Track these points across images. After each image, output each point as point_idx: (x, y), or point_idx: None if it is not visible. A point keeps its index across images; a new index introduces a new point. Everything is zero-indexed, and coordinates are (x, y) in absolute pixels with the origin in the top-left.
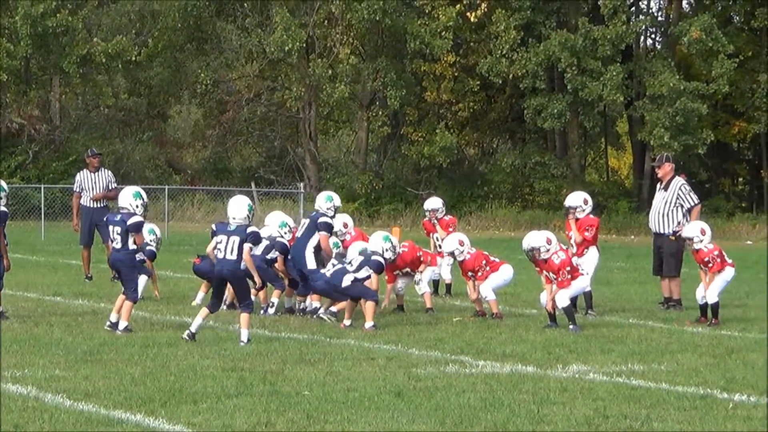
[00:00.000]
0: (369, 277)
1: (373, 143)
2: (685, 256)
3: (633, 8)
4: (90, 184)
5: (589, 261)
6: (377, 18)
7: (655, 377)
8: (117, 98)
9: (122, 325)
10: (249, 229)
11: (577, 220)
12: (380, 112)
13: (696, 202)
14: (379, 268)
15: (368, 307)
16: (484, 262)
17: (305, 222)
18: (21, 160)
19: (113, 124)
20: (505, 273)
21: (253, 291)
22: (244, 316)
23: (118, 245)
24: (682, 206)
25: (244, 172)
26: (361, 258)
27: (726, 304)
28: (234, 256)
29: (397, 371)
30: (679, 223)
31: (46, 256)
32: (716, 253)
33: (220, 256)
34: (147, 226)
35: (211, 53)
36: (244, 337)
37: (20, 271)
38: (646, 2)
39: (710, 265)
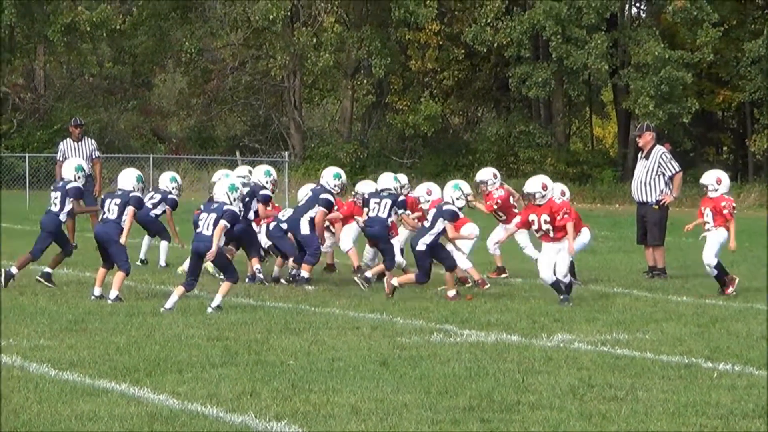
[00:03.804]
0: (437, 238)
1: (357, 112)
2: (669, 224)
3: None
4: (73, 153)
5: (579, 241)
6: None
7: (639, 346)
8: (101, 67)
9: (113, 294)
10: (226, 207)
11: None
12: (365, 81)
13: (677, 169)
14: (453, 217)
15: (448, 278)
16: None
17: (308, 194)
18: (5, 128)
19: (98, 92)
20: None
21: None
22: (225, 284)
23: (113, 216)
24: (663, 174)
25: (228, 140)
26: (434, 211)
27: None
28: (210, 232)
29: (382, 340)
30: (661, 191)
31: (31, 225)
32: (733, 204)
33: (198, 230)
34: (168, 174)
35: (195, 22)
36: (214, 303)
37: (5, 241)
38: None
39: (725, 211)
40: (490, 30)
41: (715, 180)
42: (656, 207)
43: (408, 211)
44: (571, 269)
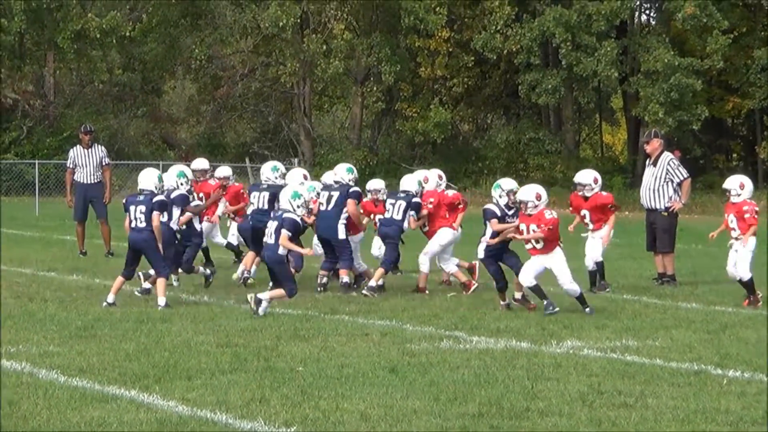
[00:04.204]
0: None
1: (367, 119)
2: (678, 231)
3: None
4: (83, 160)
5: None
6: None
7: (649, 353)
8: (111, 74)
9: (162, 301)
10: (286, 216)
11: (586, 198)
12: (374, 88)
13: (685, 176)
14: (491, 215)
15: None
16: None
17: (332, 195)
18: (15, 135)
19: (107, 99)
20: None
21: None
22: (277, 291)
23: (142, 224)
24: (671, 181)
25: (238, 147)
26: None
27: (720, 280)
28: (273, 240)
29: (392, 347)
30: (670, 198)
31: (40, 231)
32: (756, 208)
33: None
34: (176, 168)
35: (205, 29)
36: (263, 309)
37: (15, 247)
38: None
39: (747, 215)
40: (499, 37)
41: (738, 185)
42: (665, 213)
43: (414, 213)
44: (601, 273)
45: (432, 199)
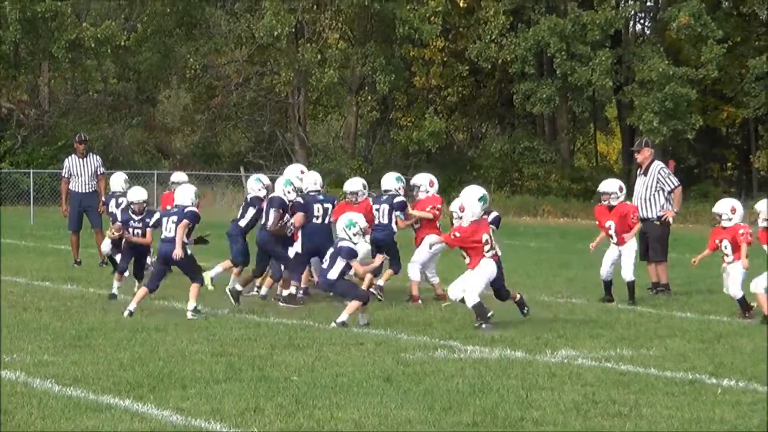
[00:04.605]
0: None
1: (362, 128)
2: (672, 240)
3: None
4: (78, 169)
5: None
6: (366, 2)
7: (643, 362)
8: (106, 83)
9: (192, 305)
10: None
11: (611, 208)
12: (369, 97)
13: (676, 184)
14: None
15: None
16: None
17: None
18: (10, 145)
19: (102, 109)
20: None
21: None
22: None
23: (171, 233)
24: (663, 190)
25: (233, 156)
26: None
27: (714, 290)
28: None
29: (386, 356)
30: (662, 207)
31: (35, 241)
32: (750, 231)
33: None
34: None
35: (200, 38)
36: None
37: (9, 256)
38: None
39: (742, 237)
40: (494, 46)
41: (730, 209)
42: (658, 222)
43: (401, 213)
44: (631, 291)
45: (439, 205)
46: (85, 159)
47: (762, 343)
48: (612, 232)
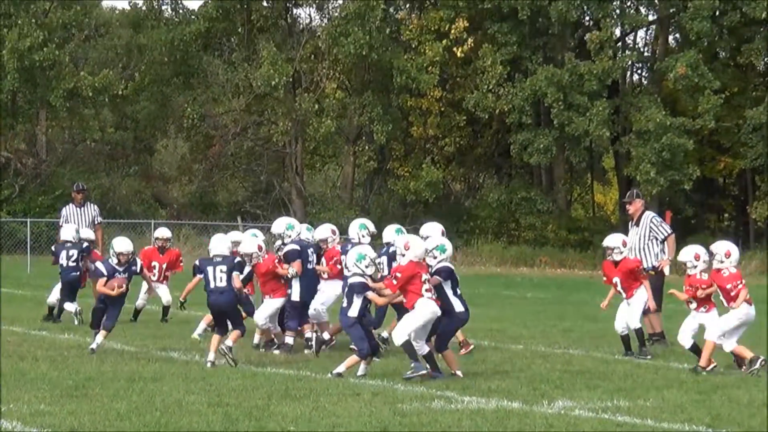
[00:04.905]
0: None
1: (359, 178)
2: (667, 290)
3: (619, 43)
4: (76, 218)
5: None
6: (364, 53)
7: (640, 413)
8: (103, 132)
9: (229, 343)
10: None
11: (616, 263)
12: (366, 147)
13: (669, 231)
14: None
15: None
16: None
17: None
18: (7, 194)
19: (99, 158)
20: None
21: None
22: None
23: (222, 283)
24: (656, 238)
25: (230, 206)
26: None
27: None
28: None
29: (383, 407)
30: (656, 255)
31: (32, 290)
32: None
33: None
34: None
35: (197, 87)
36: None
37: (6, 305)
38: (632, 38)
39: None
40: (491, 96)
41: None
42: (653, 273)
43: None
44: (641, 339)
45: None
46: (82, 208)
47: (758, 394)
48: (620, 288)
